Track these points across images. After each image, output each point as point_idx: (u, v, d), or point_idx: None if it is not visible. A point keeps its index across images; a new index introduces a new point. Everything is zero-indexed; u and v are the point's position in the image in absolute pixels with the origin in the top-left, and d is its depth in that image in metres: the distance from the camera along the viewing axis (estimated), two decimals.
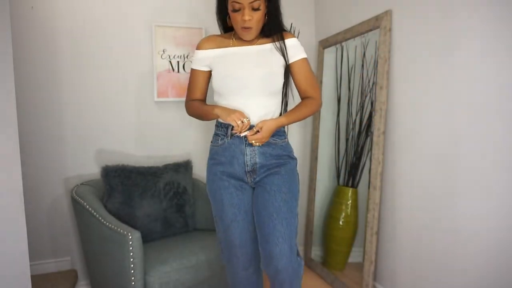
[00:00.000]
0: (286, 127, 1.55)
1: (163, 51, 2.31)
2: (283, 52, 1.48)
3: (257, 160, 1.48)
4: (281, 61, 1.49)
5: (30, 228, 2.09)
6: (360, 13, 2.18)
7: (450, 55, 1.61)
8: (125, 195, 1.99)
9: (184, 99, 2.36)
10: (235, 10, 1.40)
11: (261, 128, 1.41)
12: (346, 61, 2.40)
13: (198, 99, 1.59)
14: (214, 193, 1.53)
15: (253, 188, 1.53)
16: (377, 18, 2.01)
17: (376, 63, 2.10)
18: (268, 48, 1.49)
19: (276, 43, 1.48)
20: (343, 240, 2.37)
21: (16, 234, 1.15)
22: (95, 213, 1.77)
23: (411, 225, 1.86)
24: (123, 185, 2.00)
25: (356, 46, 2.31)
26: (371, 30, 2.07)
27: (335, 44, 2.42)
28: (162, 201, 2.08)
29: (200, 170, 2.48)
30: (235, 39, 1.52)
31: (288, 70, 1.53)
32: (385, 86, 1.96)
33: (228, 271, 1.63)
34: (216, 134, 1.54)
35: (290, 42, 1.50)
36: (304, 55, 1.51)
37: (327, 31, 2.53)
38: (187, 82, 2.44)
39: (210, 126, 2.47)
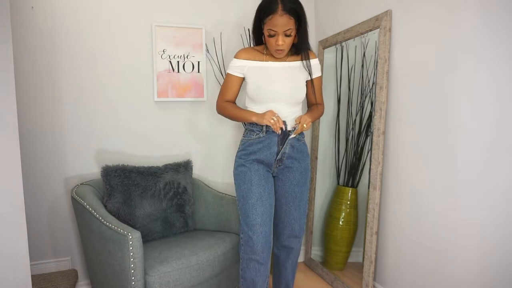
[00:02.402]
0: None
1: (163, 51, 2.31)
2: (309, 70, 1.80)
3: (287, 150, 1.77)
4: (306, 77, 1.82)
5: (30, 228, 2.10)
6: (360, 13, 2.18)
7: (450, 55, 1.61)
8: (125, 195, 1.99)
9: (182, 99, 2.38)
10: (270, 36, 1.66)
11: (300, 118, 1.72)
12: (346, 61, 2.40)
13: (230, 100, 1.84)
14: (244, 174, 1.75)
15: (274, 177, 1.85)
16: (377, 18, 2.01)
17: (376, 63, 2.10)
18: (297, 66, 1.80)
19: (304, 61, 1.79)
20: (343, 240, 2.37)
21: (16, 234, 1.15)
22: (95, 213, 1.77)
23: (411, 225, 1.86)
24: (123, 185, 2.00)
25: (356, 46, 2.31)
26: (371, 30, 2.07)
27: (335, 44, 2.42)
28: (162, 201, 2.08)
29: (200, 170, 2.48)
30: (267, 54, 1.79)
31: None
32: (385, 86, 1.96)
33: (243, 256, 1.78)
34: (250, 130, 1.80)
35: (314, 61, 1.84)
36: (320, 74, 1.89)
37: (327, 31, 2.53)
38: (187, 82, 2.46)
39: (211, 126, 2.48)
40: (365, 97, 2.25)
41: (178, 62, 2.34)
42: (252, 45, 1.88)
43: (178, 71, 2.35)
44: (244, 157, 1.77)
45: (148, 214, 2.03)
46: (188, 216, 2.17)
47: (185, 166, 2.25)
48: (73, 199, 1.94)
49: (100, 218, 1.74)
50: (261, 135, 1.75)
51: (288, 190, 1.81)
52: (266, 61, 1.78)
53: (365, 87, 2.25)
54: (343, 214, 2.35)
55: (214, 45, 2.44)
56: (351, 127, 2.39)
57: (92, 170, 2.22)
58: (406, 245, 1.89)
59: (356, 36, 2.20)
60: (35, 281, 1.91)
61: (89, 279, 2.06)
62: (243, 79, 1.81)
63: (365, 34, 2.15)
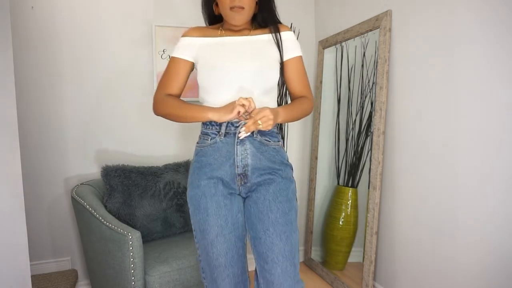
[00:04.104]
0: (279, 128, 1.41)
1: (163, 51, 2.31)
2: (279, 46, 1.33)
3: (249, 161, 1.27)
4: (277, 56, 1.34)
5: (30, 228, 2.10)
6: (360, 13, 2.18)
7: (450, 55, 1.61)
8: (125, 195, 1.99)
9: (182, 98, 2.35)
10: None
11: (254, 111, 1.21)
12: (346, 61, 2.40)
13: (173, 94, 1.35)
14: (197, 200, 1.28)
15: (243, 199, 1.32)
16: (377, 18, 2.01)
17: (376, 63, 2.10)
18: (265, 39, 1.34)
19: (273, 34, 1.34)
20: (343, 240, 2.37)
21: (16, 234, 1.15)
22: (95, 213, 1.77)
23: (411, 225, 1.86)
24: (123, 185, 2.00)
25: (356, 46, 2.31)
26: (371, 30, 2.07)
27: (335, 44, 2.42)
28: (162, 201, 2.08)
29: None
30: (223, 30, 1.37)
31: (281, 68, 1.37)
32: (385, 86, 1.96)
33: None
34: (204, 134, 1.32)
35: (286, 35, 1.35)
36: (300, 53, 1.36)
37: (327, 31, 2.53)
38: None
39: None
40: (365, 97, 2.25)
41: None
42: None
43: None
44: (197, 173, 1.30)
45: (148, 214, 2.03)
46: (188, 216, 2.17)
47: (185, 166, 2.25)
48: (73, 199, 1.93)
49: (100, 218, 1.74)
50: (218, 140, 1.28)
51: (262, 210, 1.26)
52: (221, 36, 1.35)
53: (365, 87, 2.25)
54: (343, 214, 2.35)
55: None
56: (351, 127, 2.39)
57: (92, 170, 2.22)
58: (406, 245, 1.89)
59: (356, 36, 2.20)
60: (35, 281, 1.91)
61: (89, 279, 2.06)
62: (193, 65, 1.36)
63: (365, 34, 2.15)
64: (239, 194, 1.31)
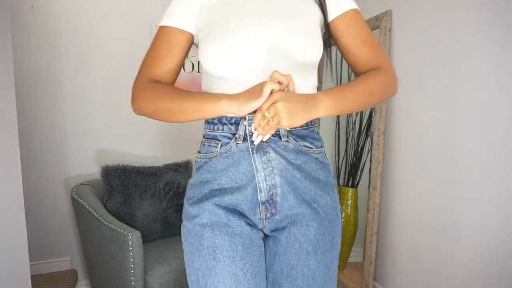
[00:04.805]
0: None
1: None
2: (321, 2, 0.88)
3: (277, 180, 0.83)
4: (318, 14, 0.89)
5: (30, 228, 2.10)
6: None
7: (450, 55, 1.61)
8: (125, 195, 1.99)
9: None
10: None
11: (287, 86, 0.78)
12: None
13: (163, 80, 0.89)
14: (199, 236, 0.83)
15: (265, 236, 0.90)
16: (377, 18, 2.01)
17: None
18: None
19: None
20: (343, 240, 2.37)
21: (16, 234, 1.15)
22: (95, 213, 1.77)
23: (411, 225, 1.85)
24: (123, 185, 2.00)
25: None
26: (371, 30, 2.07)
27: (335, 44, 2.42)
28: (162, 201, 2.08)
29: None
30: None
31: (327, 36, 0.92)
32: None
33: None
34: (210, 138, 0.87)
35: None
36: (355, 5, 0.91)
37: None
38: (187, 81, 2.45)
39: None
40: None
41: None
42: None
43: None
44: (197, 197, 0.86)
45: (148, 214, 2.03)
46: None
47: (185, 166, 2.25)
48: (73, 199, 1.93)
49: (100, 218, 1.74)
50: (233, 146, 0.84)
51: (295, 264, 0.86)
52: None
53: None
54: (343, 214, 2.35)
55: None
56: (351, 127, 2.39)
57: (92, 170, 2.22)
58: (406, 245, 1.89)
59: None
60: (35, 281, 1.91)
61: (89, 279, 2.06)
62: (192, 38, 0.91)
63: None
64: (260, 229, 0.87)
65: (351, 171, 2.38)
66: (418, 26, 1.77)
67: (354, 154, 2.36)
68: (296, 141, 0.85)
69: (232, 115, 0.83)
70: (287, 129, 0.82)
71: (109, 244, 1.69)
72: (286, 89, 0.78)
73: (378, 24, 2.00)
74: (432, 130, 1.71)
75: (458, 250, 1.59)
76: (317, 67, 0.90)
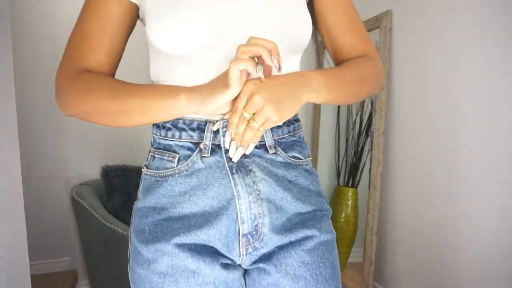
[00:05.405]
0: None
1: None
2: None
3: (265, 207, 0.65)
4: None
5: (30, 228, 2.09)
6: (360, 13, 2.16)
7: (450, 54, 1.60)
8: (125, 195, 1.99)
9: None
10: None
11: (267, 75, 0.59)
12: None
13: (96, 69, 0.67)
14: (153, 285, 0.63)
15: (243, 270, 0.69)
16: (377, 18, 2.00)
17: None
18: None
19: None
20: (343, 240, 2.37)
21: (16, 234, 1.15)
22: (95, 213, 1.77)
23: (411, 225, 1.85)
24: (123, 185, 2.00)
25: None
26: (371, 30, 2.07)
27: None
28: None
29: None
30: None
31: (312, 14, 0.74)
32: (385, 86, 1.96)
33: None
34: (163, 148, 0.66)
35: None
36: None
37: None
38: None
39: None
40: None
41: None
42: None
43: None
44: (150, 230, 0.64)
45: None
46: None
47: None
48: (73, 199, 1.93)
49: (100, 218, 1.74)
50: (197, 161, 0.64)
51: None
52: None
53: None
54: (343, 214, 2.35)
55: None
56: (351, 127, 2.39)
57: (92, 170, 2.22)
58: (406, 245, 1.89)
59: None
60: (35, 281, 1.91)
61: (89, 279, 2.06)
62: (136, 9, 0.70)
63: None
64: (238, 265, 0.67)
65: (351, 171, 2.38)
66: (418, 26, 1.77)
67: (354, 154, 2.36)
68: (285, 152, 0.67)
69: (194, 116, 0.62)
70: (280, 123, 0.59)
71: (109, 244, 1.69)
72: (275, 69, 0.56)
73: (378, 24, 2.00)
74: (432, 130, 1.71)
75: (458, 250, 1.59)
76: (300, 55, 0.72)
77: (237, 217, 0.63)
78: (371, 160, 2.08)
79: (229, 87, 0.54)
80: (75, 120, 2.31)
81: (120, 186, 1.99)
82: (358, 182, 2.35)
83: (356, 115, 2.33)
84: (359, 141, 2.31)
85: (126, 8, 0.67)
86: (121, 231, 1.64)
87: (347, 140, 2.43)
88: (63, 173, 2.17)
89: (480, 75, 1.47)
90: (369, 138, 2.22)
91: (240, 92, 0.56)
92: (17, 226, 1.15)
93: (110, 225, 1.69)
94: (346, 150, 2.43)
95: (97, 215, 1.76)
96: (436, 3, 1.67)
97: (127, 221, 1.95)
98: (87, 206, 1.82)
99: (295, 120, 0.71)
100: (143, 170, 0.70)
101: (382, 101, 1.97)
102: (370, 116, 2.19)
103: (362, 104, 2.28)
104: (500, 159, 1.41)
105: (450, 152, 1.62)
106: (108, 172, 2.01)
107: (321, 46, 0.85)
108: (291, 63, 0.68)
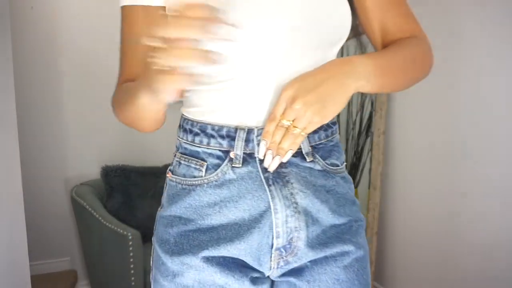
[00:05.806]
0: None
1: None
2: None
3: (301, 220, 0.60)
4: None
5: (30, 228, 2.09)
6: None
7: (451, 55, 1.60)
8: (125, 195, 1.99)
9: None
10: None
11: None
12: None
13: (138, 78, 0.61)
14: None
15: (272, 282, 0.66)
16: None
17: None
18: None
19: None
20: None
21: (16, 234, 1.15)
22: (95, 213, 1.77)
23: (411, 225, 1.85)
24: (123, 185, 2.00)
25: (356, 46, 2.30)
26: None
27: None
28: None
29: None
30: None
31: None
32: None
33: None
34: (188, 155, 0.65)
35: None
36: None
37: None
38: None
39: None
40: (365, 97, 2.25)
41: None
42: None
43: None
44: (176, 241, 0.61)
45: (148, 215, 2.02)
46: None
47: None
48: (73, 199, 1.93)
49: (100, 218, 1.74)
50: (229, 172, 0.59)
51: None
52: None
53: None
54: None
55: None
56: (351, 127, 2.39)
57: (92, 170, 2.22)
58: (406, 245, 1.89)
59: (357, 35, 2.20)
60: (35, 281, 1.90)
61: (89, 279, 2.06)
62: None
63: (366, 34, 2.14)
64: (267, 277, 0.64)
65: (351, 171, 2.38)
66: None
67: (354, 154, 2.35)
68: (324, 160, 0.61)
69: (224, 122, 0.59)
70: (325, 122, 0.55)
71: (109, 244, 1.69)
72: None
73: None
74: (432, 130, 1.71)
75: (459, 250, 1.59)
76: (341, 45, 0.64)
77: (270, 230, 0.59)
78: (371, 160, 2.08)
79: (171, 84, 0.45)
80: (75, 120, 2.31)
81: (120, 186, 1.99)
82: (358, 182, 2.35)
83: (356, 115, 2.33)
84: (359, 141, 2.31)
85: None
86: (121, 231, 1.64)
87: (347, 140, 2.43)
88: (63, 173, 2.17)
89: (482, 74, 1.47)
90: (369, 138, 2.22)
91: (279, 98, 0.53)
92: (17, 226, 1.15)
93: (110, 225, 1.69)
94: (346, 150, 2.43)
95: (97, 215, 1.76)
96: (436, 2, 1.66)
97: (127, 221, 1.95)
98: (87, 206, 1.82)
99: (332, 123, 0.65)
100: (168, 175, 0.68)
101: (382, 101, 1.97)
102: (370, 116, 2.19)
103: (362, 104, 2.28)
104: (501, 159, 1.41)
105: (450, 151, 1.62)
106: (108, 172, 2.01)
107: (360, 28, 0.73)
108: (331, 58, 0.61)
